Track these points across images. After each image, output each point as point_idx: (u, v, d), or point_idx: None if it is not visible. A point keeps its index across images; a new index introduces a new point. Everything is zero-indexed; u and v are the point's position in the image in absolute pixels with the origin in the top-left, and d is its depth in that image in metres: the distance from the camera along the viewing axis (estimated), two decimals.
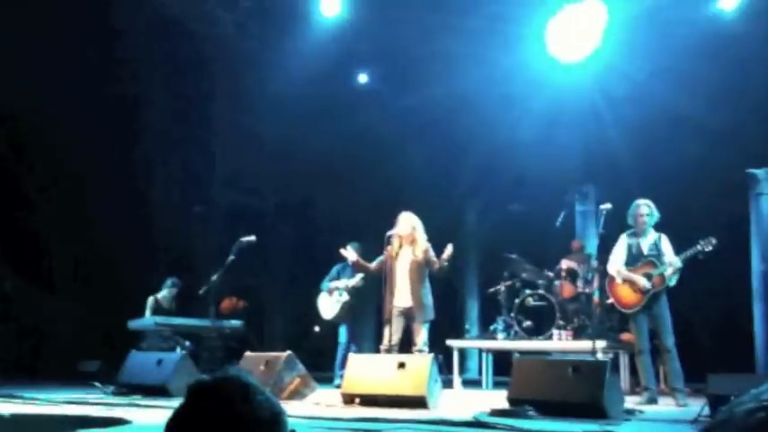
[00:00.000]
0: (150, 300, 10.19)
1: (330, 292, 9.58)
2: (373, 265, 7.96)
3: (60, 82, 10.60)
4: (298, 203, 13.39)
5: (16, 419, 5.52)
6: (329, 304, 9.58)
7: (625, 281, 7.36)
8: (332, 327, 9.84)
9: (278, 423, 1.53)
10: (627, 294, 7.40)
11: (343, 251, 8.56)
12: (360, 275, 9.24)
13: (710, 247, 7.02)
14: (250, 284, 11.74)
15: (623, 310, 7.55)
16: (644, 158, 10.55)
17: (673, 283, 7.20)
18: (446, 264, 7.49)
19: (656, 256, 7.25)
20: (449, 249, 7.40)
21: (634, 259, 7.37)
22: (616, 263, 7.47)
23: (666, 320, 7.19)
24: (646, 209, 7.32)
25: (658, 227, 7.44)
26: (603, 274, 9.27)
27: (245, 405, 1.49)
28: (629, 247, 7.42)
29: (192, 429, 1.48)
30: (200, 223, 12.36)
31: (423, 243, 7.60)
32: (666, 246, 7.26)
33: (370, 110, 12.01)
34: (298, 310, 11.76)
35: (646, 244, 7.34)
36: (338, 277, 9.66)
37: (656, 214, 7.35)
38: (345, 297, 9.46)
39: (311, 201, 13.12)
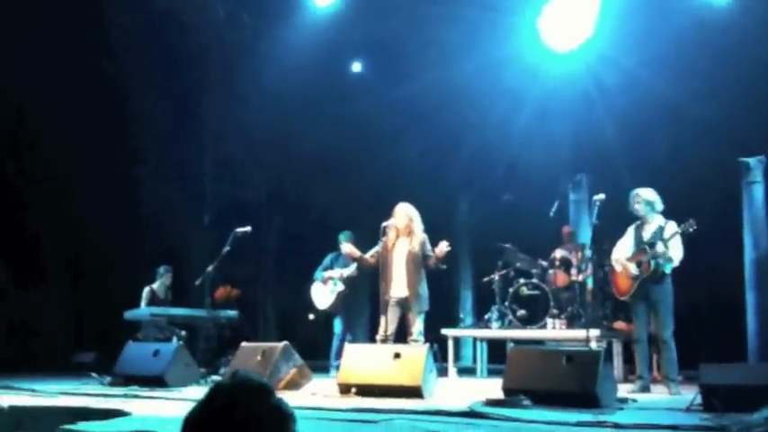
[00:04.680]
0: (146, 290, 10.23)
1: (324, 281, 9.60)
2: (370, 256, 8.00)
3: (50, 73, 10.55)
4: (291, 194, 13.38)
5: (14, 411, 5.55)
6: (323, 294, 9.61)
7: (623, 268, 7.43)
8: (326, 316, 9.88)
9: (291, 423, 1.58)
10: (622, 281, 7.50)
11: (343, 247, 8.64)
12: (354, 265, 9.27)
13: (692, 229, 7.05)
14: (245, 275, 11.75)
15: (619, 296, 7.64)
16: (636, 147, 10.60)
17: (667, 269, 7.18)
18: (440, 263, 7.57)
19: (651, 244, 7.28)
20: (444, 247, 7.43)
21: (637, 247, 7.42)
22: (617, 251, 7.55)
23: (663, 310, 7.19)
24: (638, 198, 7.37)
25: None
26: (597, 263, 9.35)
27: (262, 406, 1.54)
28: (636, 235, 7.47)
29: (211, 429, 1.52)
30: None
31: (419, 234, 7.62)
32: (669, 233, 7.21)
33: (362, 100, 12.00)
34: (292, 299, 11.78)
35: (648, 231, 7.36)
36: (331, 266, 9.68)
37: (654, 200, 7.34)
38: (340, 287, 9.48)
39: (304, 191, 13.11)
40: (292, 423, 1.59)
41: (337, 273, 9.53)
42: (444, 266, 7.75)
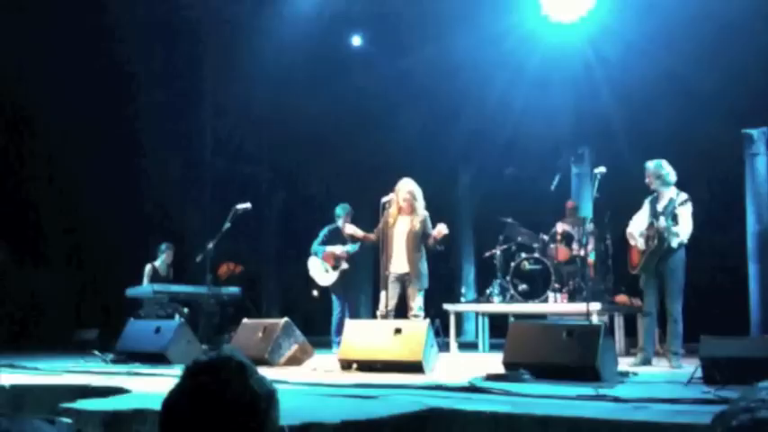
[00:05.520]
0: (147, 267, 10.22)
1: (326, 258, 9.46)
2: (373, 236, 7.97)
3: (48, 52, 10.50)
4: (292, 170, 13.35)
5: (16, 390, 5.56)
6: (323, 270, 9.48)
7: (635, 242, 7.37)
8: (328, 291, 9.83)
9: (272, 401, 1.55)
10: (634, 255, 7.41)
11: (345, 228, 8.58)
12: (357, 243, 9.16)
13: (682, 203, 6.98)
14: (246, 251, 11.75)
15: (631, 271, 7.52)
16: (638, 120, 10.53)
17: (674, 243, 7.03)
18: (438, 244, 7.55)
19: (657, 217, 7.17)
20: (442, 230, 7.38)
21: (650, 220, 7.34)
22: (632, 225, 7.45)
23: (673, 284, 7.08)
24: (649, 171, 7.25)
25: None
26: (598, 237, 9.30)
27: (241, 384, 1.52)
28: (651, 208, 7.32)
29: (190, 408, 1.50)
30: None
31: (421, 212, 7.58)
32: (679, 206, 7.06)
33: (362, 74, 11.92)
34: (293, 276, 11.79)
35: (661, 204, 7.22)
36: (329, 240, 9.53)
37: (664, 173, 7.18)
38: (345, 265, 9.38)
39: (304, 167, 13.08)
40: (274, 401, 1.56)
41: (340, 249, 9.38)
42: (441, 248, 7.72)
